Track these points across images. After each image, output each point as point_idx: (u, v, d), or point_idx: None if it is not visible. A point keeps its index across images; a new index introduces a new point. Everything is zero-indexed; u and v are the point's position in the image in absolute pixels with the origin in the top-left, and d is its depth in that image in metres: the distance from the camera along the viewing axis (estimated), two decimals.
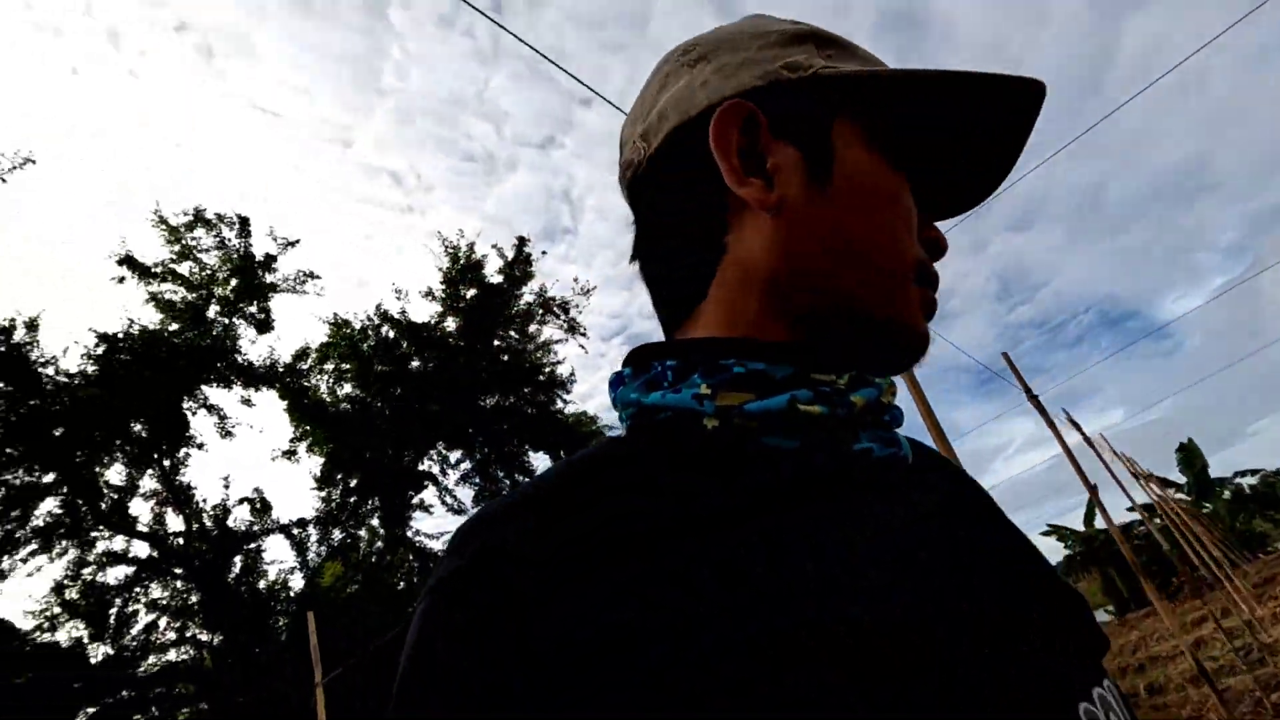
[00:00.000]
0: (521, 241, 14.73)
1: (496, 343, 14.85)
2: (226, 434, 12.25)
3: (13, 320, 10.64)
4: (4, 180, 9.94)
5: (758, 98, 0.45)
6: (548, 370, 15.25)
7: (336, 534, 13.58)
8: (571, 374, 15.45)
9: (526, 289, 14.94)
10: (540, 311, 15.04)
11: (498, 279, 14.70)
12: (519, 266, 14.76)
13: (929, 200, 0.51)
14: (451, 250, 14.35)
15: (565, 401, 15.51)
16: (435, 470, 14.62)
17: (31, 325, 10.84)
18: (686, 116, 0.46)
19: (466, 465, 14.84)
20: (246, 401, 12.46)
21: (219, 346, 11.98)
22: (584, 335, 15.14)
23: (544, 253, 15.62)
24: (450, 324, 14.52)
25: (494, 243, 15.26)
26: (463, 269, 14.42)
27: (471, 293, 14.51)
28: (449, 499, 14.55)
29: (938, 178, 0.52)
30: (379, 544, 14.19)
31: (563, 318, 15.05)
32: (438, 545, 14.26)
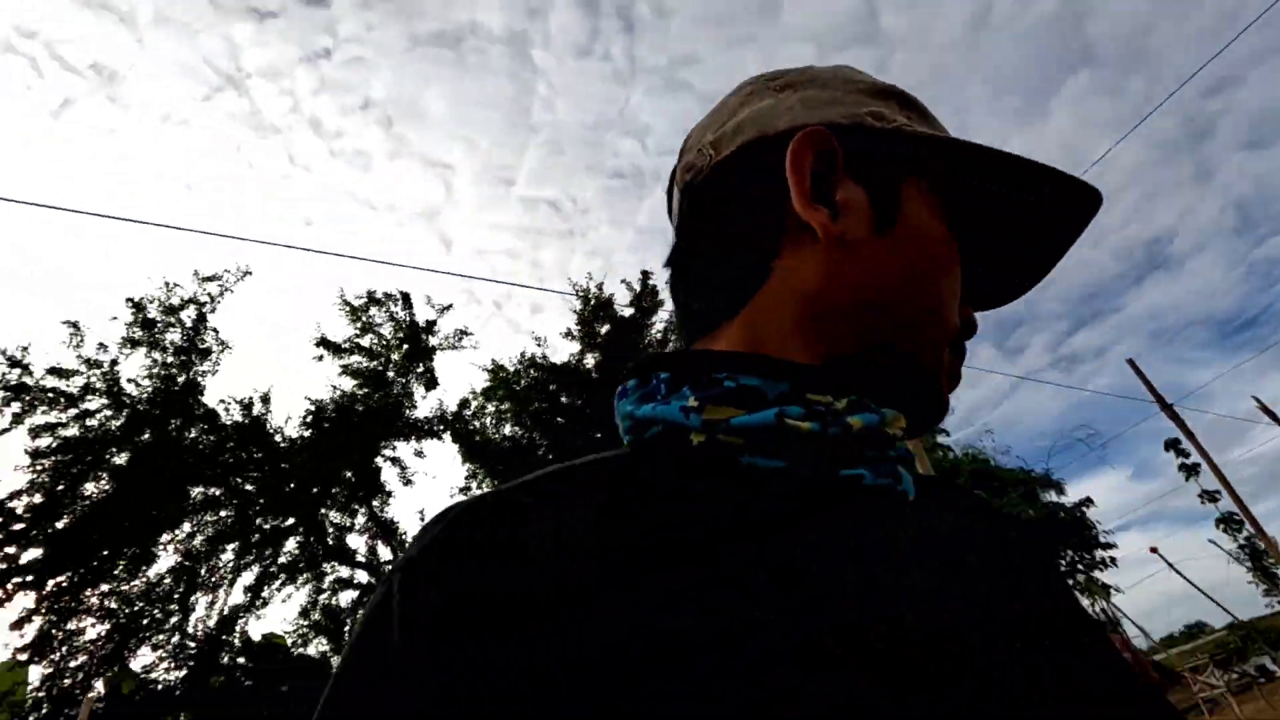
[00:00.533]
0: (645, 275, 15.50)
1: None
2: (407, 482, 14.23)
3: (251, 397, 13.27)
4: (232, 291, 12.54)
5: (839, 134, 0.45)
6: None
7: None
8: None
9: (656, 318, 15.66)
10: (673, 338, 15.61)
11: (629, 311, 15.56)
12: (646, 298, 15.54)
13: (966, 283, 0.51)
14: (582, 293, 15.46)
15: None
16: None
17: (265, 399, 13.42)
18: (764, 134, 0.46)
19: None
20: (419, 453, 14.38)
21: (397, 405, 13.99)
22: None
23: (667, 282, 16.17)
24: (590, 360, 15.58)
25: (622, 278, 16.11)
26: (594, 308, 15.45)
27: (605, 329, 15.49)
28: None
29: (982, 261, 0.52)
30: None
31: None
32: None
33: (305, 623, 13.97)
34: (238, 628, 13.00)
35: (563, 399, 15.32)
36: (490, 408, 15.50)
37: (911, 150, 0.46)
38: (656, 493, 0.35)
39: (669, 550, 0.31)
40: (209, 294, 12.44)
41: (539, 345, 15.75)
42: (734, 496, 0.36)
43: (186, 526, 12.39)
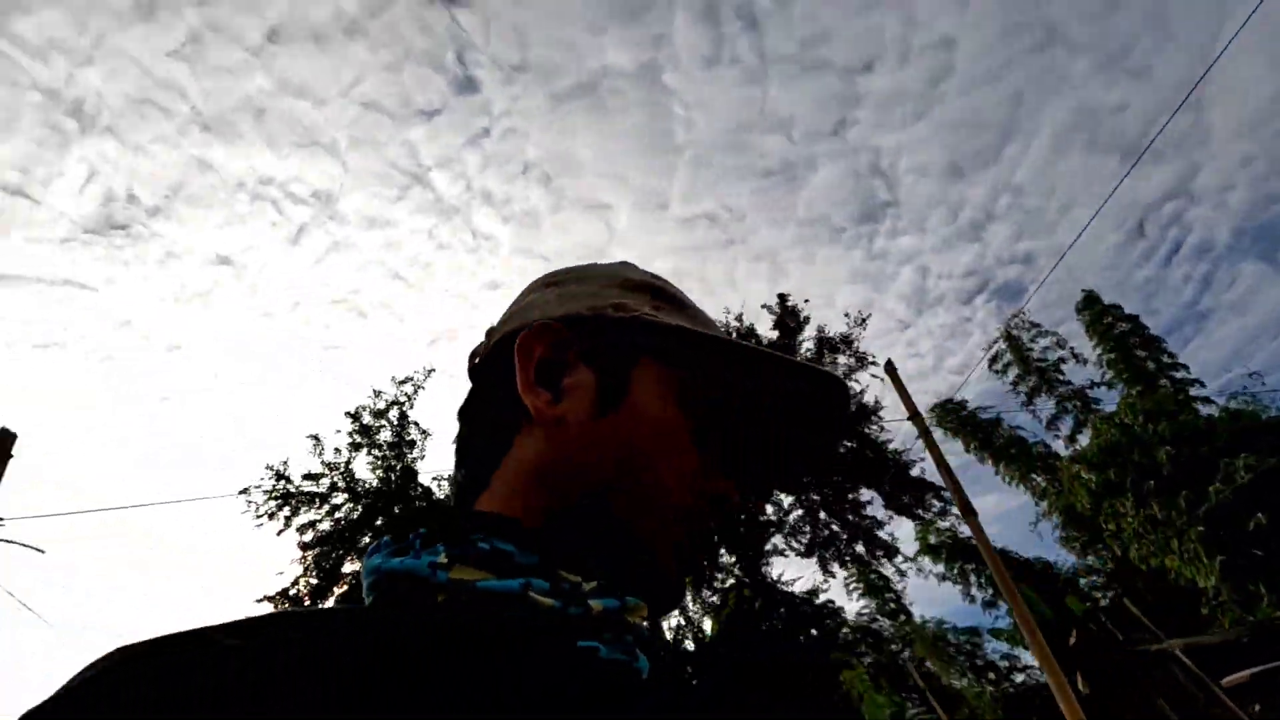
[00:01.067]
0: (783, 297, 15.36)
1: None
2: None
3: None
4: (423, 388, 14.59)
5: (578, 325, 0.50)
6: (855, 401, 15.20)
7: (705, 593, 15.57)
8: (877, 401, 15.17)
9: (803, 336, 15.35)
10: (825, 352, 15.21)
11: (774, 335, 15.44)
12: (789, 319, 15.31)
13: (743, 462, 0.53)
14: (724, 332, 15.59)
15: (881, 428, 15.23)
16: (774, 518, 15.73)
17: None
18: (521, 325, 0.51)
19: (799, 512, 15.64)
20: None
21: None
22: (873, 363, 14.86)
23: (806, 300, 15.92)
24: None
25: (763, 302, 15.97)
26: (738, 335, 15.49)
27: None
28: (794, 542, 15.49)
29: (748, 443, 0.54)
30: (746, 593, 15.76)
31: (847, 351, 14.99)
32: (796, 588, 15.25)
33: None
34: None
35: None
36: None
37: (650, 338, 0.50)
38: (397, 646, 0.34)
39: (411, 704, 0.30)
40: (405, 394, 14.61)
41: None
42: (474, 650, 0.35)
43: None
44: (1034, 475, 25.42)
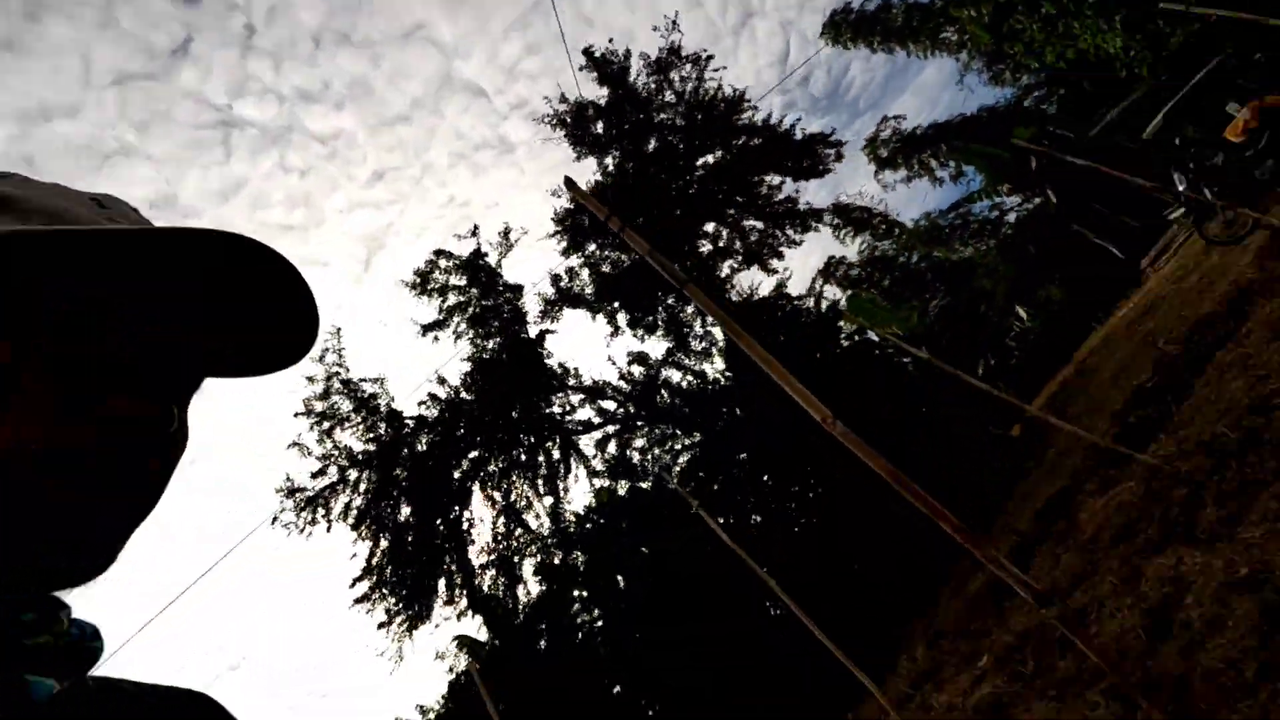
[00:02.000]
0: (588, 52, 13.96)
1: (655, 133, 14.66)
2: (563, 370, 15.89)
3: (432, 390, 15.69)
4: (344, 348, 14.50)
5: None
6: (720, 102, 14.38)
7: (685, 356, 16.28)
8: (735, 90, 14.32)
9: (634, 75, 14.18)
10: (665, 74, 14.12)
11: (604, 93, 14.34)
12: (607, 68, 14.05)
13: (133, 369, 0.44)
14: (553, 119, 14.56)
15: (754, 109, 14.55)
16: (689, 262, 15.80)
17: (441, 381, 15.77)
18: None
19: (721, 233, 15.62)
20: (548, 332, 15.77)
21: (515, 323, 15.40)
22: (707, 56, 13.76)
23: (610, 40, 14.36)
24: (615, 156, 14.93)
25: (580, 64, 14.42)
26: (575, 120, 14.53)
27: (599, 126, 14.56)
28: (732, 264, 15.73)
29: (127, 346, 0.44)
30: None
31: (680, 63, 13.87)
32: (763, 290, 15.75)
33: (602, 481, 17.06)
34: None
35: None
36: (577, 263, 16.09)
37: None
38: None
39: None
40: (336, 360, 14.72)
41: (556, 196, 15.50)
42: None
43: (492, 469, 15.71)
44: (942, 35, 24.11)
